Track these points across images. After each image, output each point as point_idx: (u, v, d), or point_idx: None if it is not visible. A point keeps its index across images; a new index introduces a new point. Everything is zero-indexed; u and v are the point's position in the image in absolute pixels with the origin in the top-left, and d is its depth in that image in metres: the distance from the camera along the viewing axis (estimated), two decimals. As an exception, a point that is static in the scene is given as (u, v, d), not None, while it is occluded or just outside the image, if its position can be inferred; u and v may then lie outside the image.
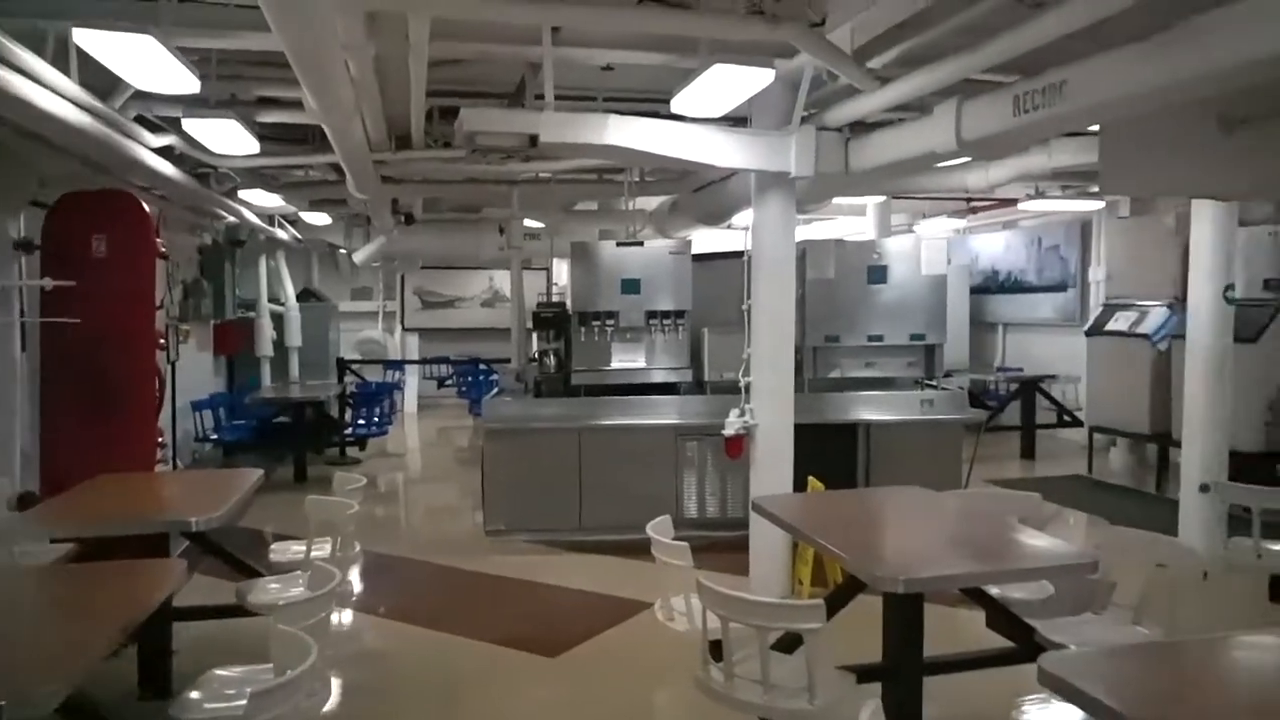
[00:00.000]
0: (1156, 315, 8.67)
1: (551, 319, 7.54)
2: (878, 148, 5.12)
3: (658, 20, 3.82)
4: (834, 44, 4.21)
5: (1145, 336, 8.65)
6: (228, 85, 5.60)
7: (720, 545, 6.45)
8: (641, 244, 7.47)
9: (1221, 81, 3.05)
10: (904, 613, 3.51)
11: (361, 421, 11.26)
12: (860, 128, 5.51)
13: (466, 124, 4.68)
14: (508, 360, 9.37)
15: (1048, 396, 10.92)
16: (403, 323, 16.22)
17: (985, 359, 12.80)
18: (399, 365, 15.19)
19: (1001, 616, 3.78)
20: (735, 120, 5.73)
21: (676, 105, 4.88)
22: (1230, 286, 6.11)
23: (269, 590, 4.16)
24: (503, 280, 14.85)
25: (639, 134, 4.99)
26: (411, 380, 15.54)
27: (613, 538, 6.74)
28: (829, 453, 7.08)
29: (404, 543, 7.60)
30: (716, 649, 3.35)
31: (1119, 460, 10.02)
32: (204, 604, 4.60)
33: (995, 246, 12.95)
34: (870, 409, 7.15)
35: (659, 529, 3.85)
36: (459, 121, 4.74)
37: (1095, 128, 5.08)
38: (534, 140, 4.81)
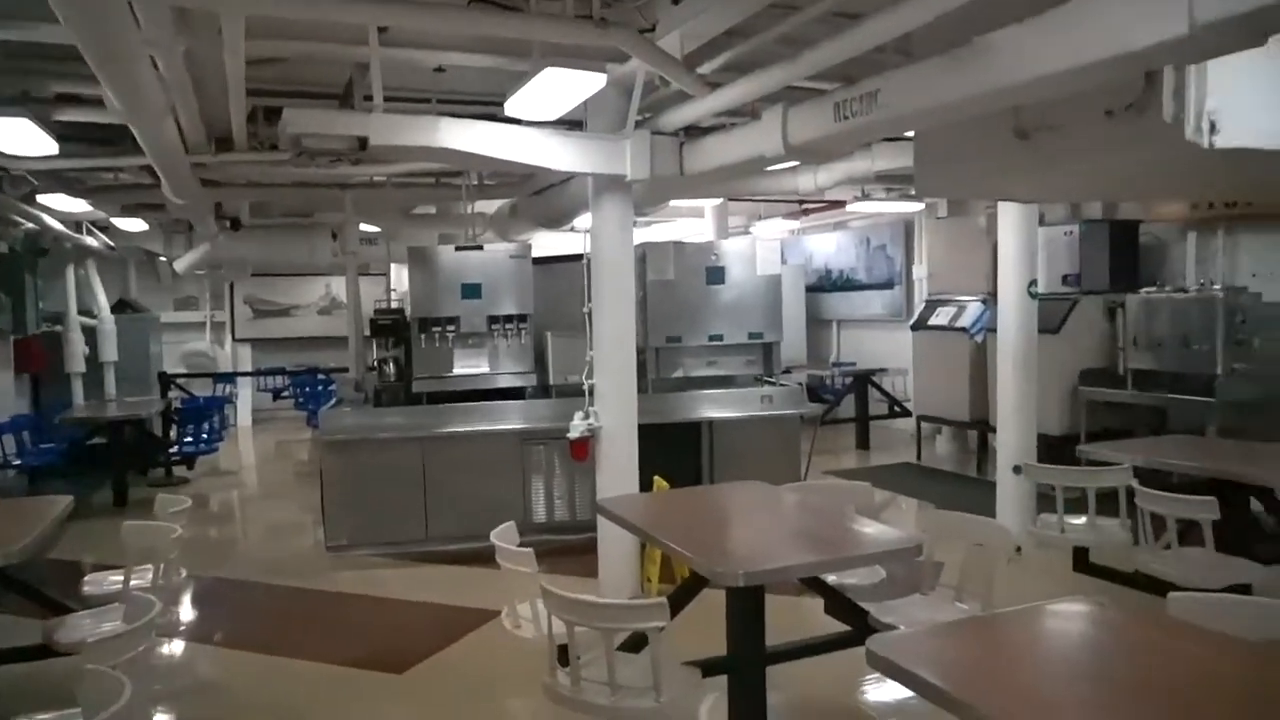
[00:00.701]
0: (973, 310, 9.26)
1: (390, 326, 7.34)
2: (711, 151, 5.24)
3: (487, 22, 3.78)
4: (663, 50, 4.28)
5: (963, 330, 9.22)
6: (19, 80, 5.16)
7: (571, 548, 6.47)
8: (481, 248, 7.38)
9: (1011, 96, 3.28)
10: (745, 605, 3.60)
11: (189, 439, 10.60)
12: (695, 132, 5.64)
13: (290, 125, 4.49)
14: (346, 370, 9.06)
15: (879, 389, 11.49)
16: (233, 333, 15.41)
17: (822, 355, 13.35)
18: (230, 378, 14.43)
19: (838, 603, 3.94)
20: (572, 124, 5.75)
21: (510, 108, 4.84)
22: (1034, 282, 6.60)
23: (81, 626, 3.86)
24: (340, 287, 14.33)
25: (472, 137, 4.92)
26: (245, 393, 14.80)
27: (460, 547, 6.65)
28: (675, 451, 7.21)
29: (240, 565, 7.21)
30: (566, 653, 3.36)
31: (945, 447, 10.66)
32: (5, 647, 4.22)
33: (828, 247, 13.52)
34: (712, 407, 7.32)
35: (503, 536, 3.81)
36: (282, 123, 4.54)
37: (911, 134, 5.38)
38: (363, 143, 4.66)
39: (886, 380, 11.59)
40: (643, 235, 12.74)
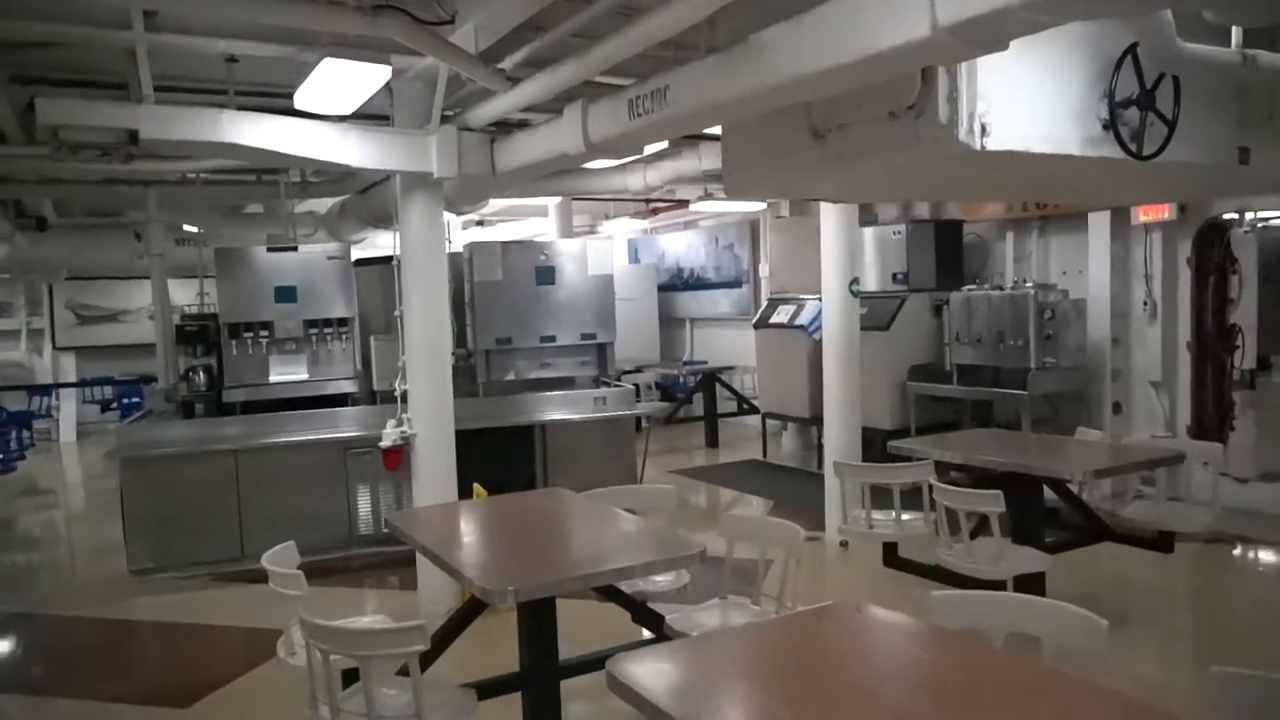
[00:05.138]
0: (811, 308, 9.42)
1: (198, 332, 6.89)
2: (519, 149, 5.09)
3: (245, 8, 3.51)
4: (450, 42, 4.10)
5: (802, 328, 9.38)
6: None
7: (398, 560, 6.21)
8: (296, 249, 7.01)
9: (784, 95, 3.26)
10: (535, 620, 3.47)
11: (-13, 458, 9.77)
12: (508, 128, 5.47)
13: (43, 116, 4.12)
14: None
15: (727, 387, 11.59)
16: (54, 341, 14.31)
17: (675, 353, 13.39)
18: (48, 390, 13.40)
19: (636, 610, 3.85)
20: (382, 119, 5.51)
21: (299, 101, 4.57)
22: (855, 281, 6.71)
23: None
24: (175, 290, 13.52)
25: (260, 132, 4.64)
26: (69, 405, 13.78)
27: (277, 565, 6.28)
28: (507, 456, 7.05)
29: (31, 596, 6.63)
30: (351, 676, 3.15)
31: (790, 443, 10.83)
32: None
33: (680, 246, 13.58)
34: (545, 410, 7.17)
35: (277, 559, 3.55)
36: (38, 113, 4.15)
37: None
38: (133, 137, 4.32)
39: (735, 378, 11.70)
40: (485, 235, 12.56)
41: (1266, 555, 6.62)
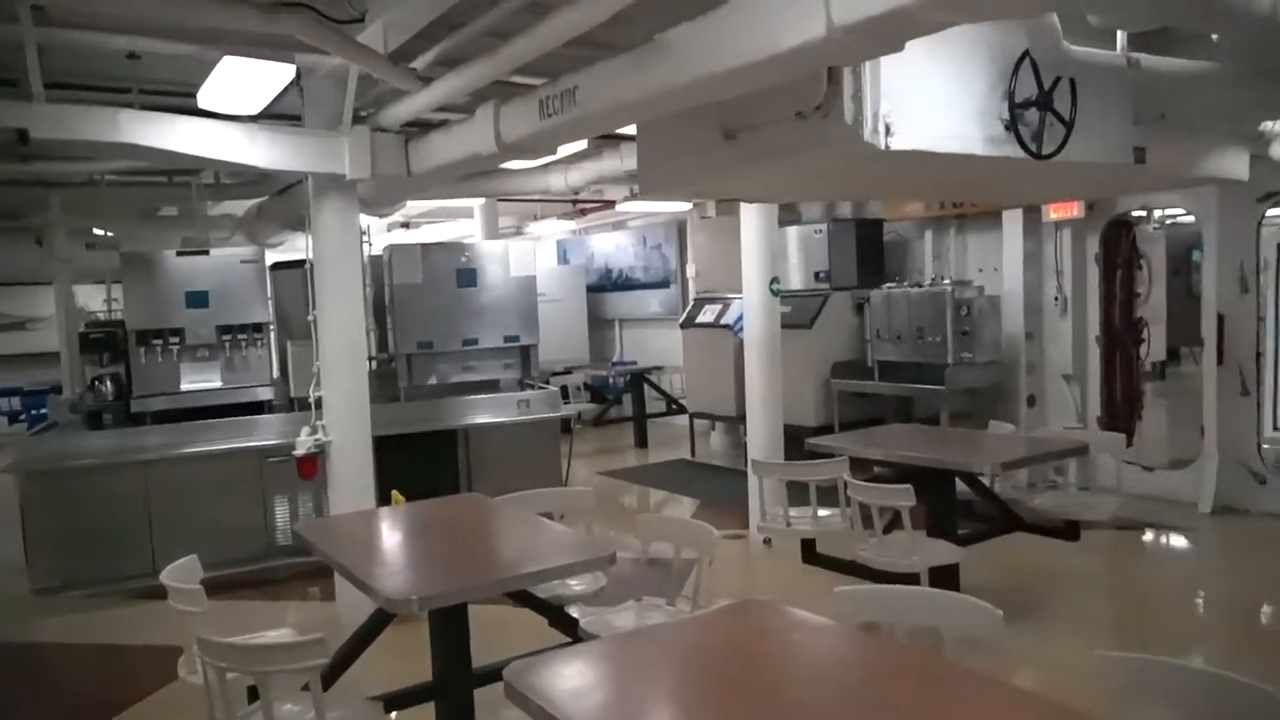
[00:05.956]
0: (736, 307, 9.46)
1: (104, 339, 6.64)
2: (434, 149, 5.02)
3: (129, 2, 3.39)
4: (356, 40, 4.01)
5: (728, 327, 9.43)
6: None
7: (319, 570, 6.03)
8: (207, 252, 6.81)
9: (690, 95, 3.26)
10: (446, 628, 3.42)
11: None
12: (424, 129, 5.39)
13: (-78, 114, 3.92)
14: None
15: (655, 387, 11.61)
16: (-43, 350, 13.72)
17: (605, 354, 13.37)
18: (-50, 401, 12.85)
19: (550, 614, 3.82)
20: (294, 119, 5.38)
21: (203, 100, 4.44)
22: (775, 279, 6.77)
23: None
24: (89, 296, 13.04)
25: (163, 132, 4.49)
26: (-28, 417, 13.23)
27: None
28: (433, 461, 6.96)
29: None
30: (258, 693, 3.06)
31: (718, 442, 10.89)
32: None
33: (608, 246, 13.56)
34: (468, 414, 7.09)
35: (177, 574, 3.43)
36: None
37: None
38: (23, 136, 4.14)
39: (664, 378, 11.73)
40: (410, 237, 12.38)
41: (1173, 540, 6.86)
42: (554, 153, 4.99)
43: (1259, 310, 7.06)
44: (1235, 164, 5.34)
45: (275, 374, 7.11)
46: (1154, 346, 8.57)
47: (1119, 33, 3.61)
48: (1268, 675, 2.00)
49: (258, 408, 6.85)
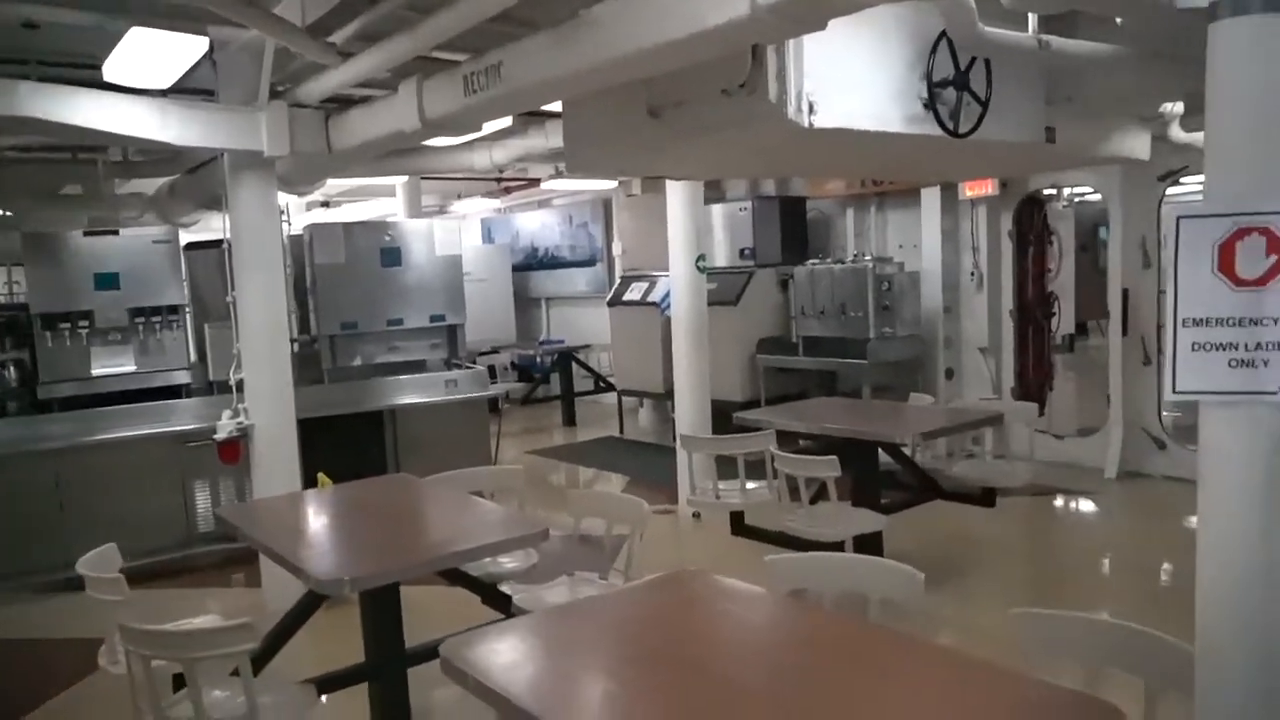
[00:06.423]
0: (663, 285, 9.50)
1: (6, 324, 6.36)
2: (355, 126, 4.93)
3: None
4: (272, 13, 3.91)
5: (655, 304, 9.48)
6: None
7: (243, 556, 5.94)
8: (117, 232, 6.57)
9: (616, 71, 3.27)
10: (378, 609, 3.40)
11: None
12: (345, 106, 5.27)
13: None
14: None
15: (583, 365, 11.62)
16: None
17: (532, 333, 13.31)
18: None
19: (484, 591, 3.83)
20: (207, 93, 5.21)
21: (109, 73, 4.27)
22: (701, 256, 6.83)
23: None
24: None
25: (67, 106, 4.31)
26: None
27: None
28: (357, 444, 6.86)
29: None
30: (183, 681, 3.00)
31: (646, 419, 10.95)
32: None
33: (534, 225, 13.47)
34: (394, 394, 7.00)
35: (95, 563, 3.34)
36: None
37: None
38: (-89, 109, 3.94)
39: (592, 356, 11.74)
40: (331, 216, 12.11)
41: (1082, 505, 7.17)
42: (479, 129, 4.93)
43: (1160, 284, 7.39)
44: (1137, 144, 5.58)
45: (192, 357, 6.89)
46: (1064, 320, 8.91)
47: (1030, 15, 3.72)
48: (1168, 626, 2.12)
49: (174, 392, 6.66)
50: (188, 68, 4.35)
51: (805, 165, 6.37)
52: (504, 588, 3.86)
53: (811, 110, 3.60)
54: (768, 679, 2.14)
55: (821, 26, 2.82)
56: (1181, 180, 7.19)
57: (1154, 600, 5.31)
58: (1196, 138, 5.97)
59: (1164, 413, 7.42)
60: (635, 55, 3.08)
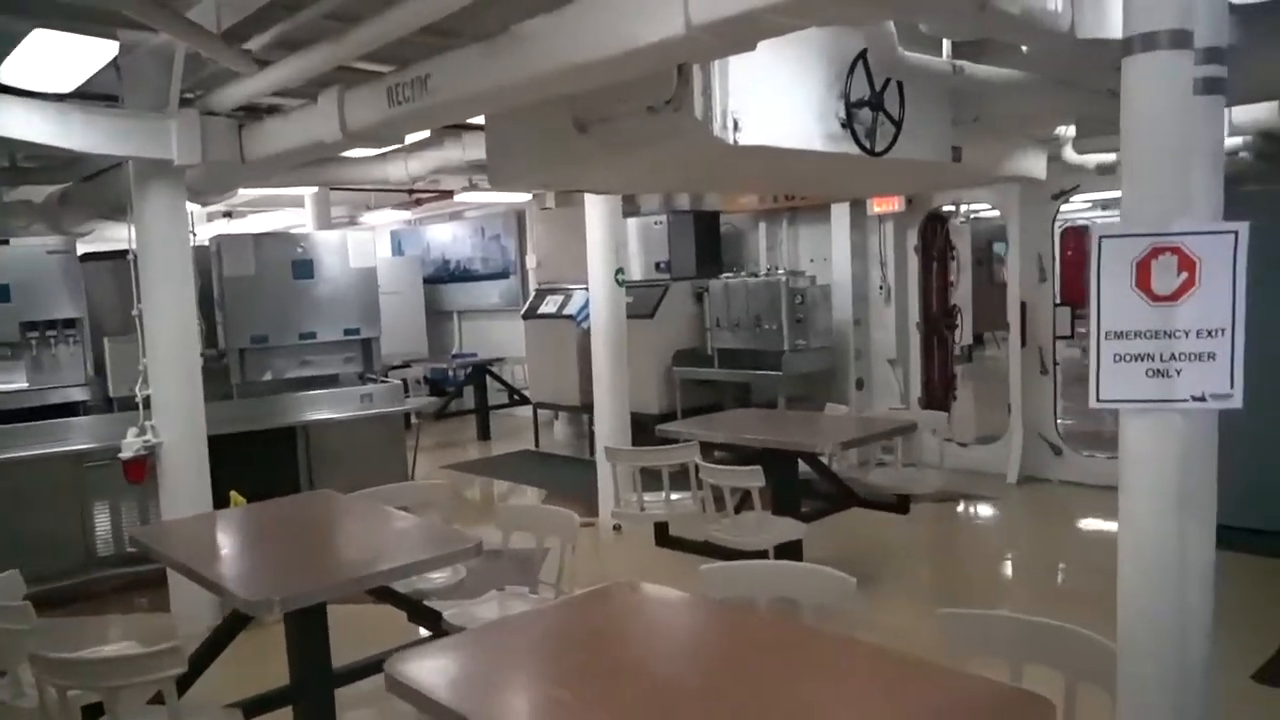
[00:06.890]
0: (579, 298, 9.54)
1: (-117, 340, 5.99)
2: (271, 135, 4.80)
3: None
4: (185, 17, 3.80)
5: (571, 317, 9.49)
6: None
7: (148, 580, 5.70)
8: (7, 242, 6.26)
9: (546, 85, 3.29)
10: (303, 629, 3.32)
11: None
12: (259, 114, 5.14)
13: None
14: None
15: (497, 379, 11.53)
16: None
17: (444, 347, 13.14)
18: None
19: (412, 609, 3.78)
20: (109, 98, 5.01)
21: (7, 76, 4.07)
22: (620, 270, 6.88)
23: None
24: None
25: (-42, 109, 4.09)
26: None
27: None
28: (271, 460, 6.66)
29: None
30: (94, 711, 2.86)
31: (562, 432, 10.94)
32: None
33: (445, 237, 13.33)
34: (307, 410, 6.82)
35: (-2, 590, 3.17)
36: None
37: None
38: None
39: (506, 369, 11.66)
40: (234, 227, 11.75)
41: (984, 509, 7.46)
42: (402, 141, 4.89)
43: (1055, 297, 7.78)
44: (1035, 164, 5.88)
45: (90, 372, 6.59)
46: (964, 331, 9.27)
47: (944, 40, 3.90)
48: (1071, 621, 2.27)
49: (71, 409, 6.35)
50: (93, 72, 4.18)
51: (728, 181, 6.49)
52: (431, 604, 3.82)
53: (736, 128, 3.69)
54: (709, 682, 2.18)
55: (752, 47, 2.91)
56: (1070, 198, 7.60)
57: (1055, 597, 5.57)
58: (1087, 159, 6.33)
59: (1059, 420, 7.80)
60: (567, 70, 3.10)
